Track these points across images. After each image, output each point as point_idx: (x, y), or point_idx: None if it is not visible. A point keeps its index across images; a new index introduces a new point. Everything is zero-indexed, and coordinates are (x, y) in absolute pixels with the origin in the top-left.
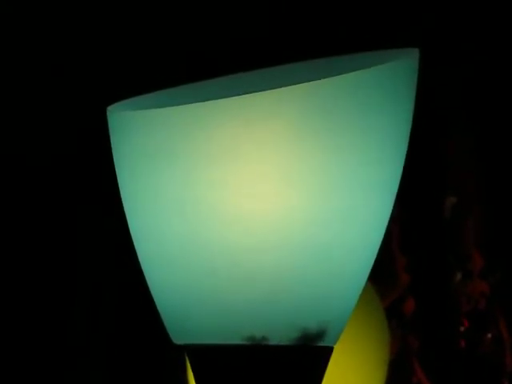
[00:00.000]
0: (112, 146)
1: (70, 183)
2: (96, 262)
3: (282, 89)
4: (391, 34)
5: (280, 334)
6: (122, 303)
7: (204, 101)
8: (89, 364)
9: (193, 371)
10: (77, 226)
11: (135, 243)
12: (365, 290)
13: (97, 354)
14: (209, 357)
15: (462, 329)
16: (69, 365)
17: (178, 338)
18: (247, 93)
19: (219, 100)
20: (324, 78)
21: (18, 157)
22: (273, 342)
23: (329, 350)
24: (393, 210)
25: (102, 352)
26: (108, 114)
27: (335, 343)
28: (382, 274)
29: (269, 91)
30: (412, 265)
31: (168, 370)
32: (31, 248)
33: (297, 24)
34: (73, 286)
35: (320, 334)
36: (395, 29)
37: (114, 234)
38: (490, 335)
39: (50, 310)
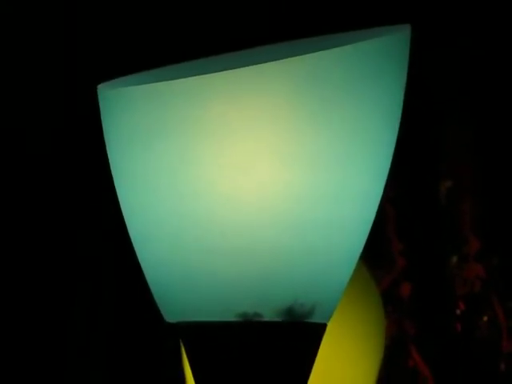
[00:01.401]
0: (103, 124)
1: (63, 171)
2: (95, 258)
3: (273, 63)
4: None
5: (273, 311)
6: (121, 299)
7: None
8: (87, 361)
9: (185, 349)
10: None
11: (127, 222)
12: (360, 274)
13: (96, 350)
14: (201, 334)
15: (458, 312)
16: (68, 360)
17: (170, 316)
18: (238, 68)
19: (209, 74)
20: (316, 52)
21: (7, 142)
22: (265, 318)
23: (322, 327)
24: (386, 189)
25: (101, 348)
26: (98, 91)
27: (328, 320)
28: (377, 258)
29: (259, 65)
30: (408, 249)
31: (168, 366)
32: (30, 244)
33: (289, 4)
34: (72, 282)
35: (313, 310)
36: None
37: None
38: (486, 318)
39: (48, 307)
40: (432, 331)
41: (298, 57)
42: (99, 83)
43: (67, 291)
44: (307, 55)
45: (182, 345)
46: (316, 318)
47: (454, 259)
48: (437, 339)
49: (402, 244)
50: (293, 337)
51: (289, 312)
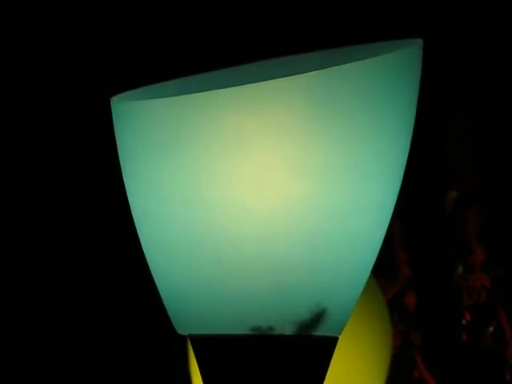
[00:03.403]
0: (116, 136)
1: (71, 177)
2: (98, 253)
3: (287, 78)
4: (392, 26)
5: (285, 324)
6: (123, 296)
7: (208, 90)
8: (90, 358)
9: (197, 362)
10: (77, 220)
11: (139, 233)
12: (367, 284)
13: (98, 347)
14: (214, 347)
15: (463, 322)
16: (70, 357)
17: (182, 329)
18: (252, 82)
19: (224, 89)
20: (328, 67)
21: (20, 148)
22: (278, 331)
23: (334, 340)
24: (396, 202)
25: (103, 345)
26: (112, 104)
27: (340, 333)
28: (383, 267)
29: (274, 80)
30: (413, 259)
31: (171, 362)
32: (32, 240)
33: (301, 18)
34: (74, 278)
35: (325, 324)
36: (396, 22)
37: (115, 224)
38: (491, 328)
39: (51, 305)
40: (438, 341)
41: (312, 72)
42: (113, 96)
43: (67, 291)
44: (321, 70)
45: (189, 353)
46: (329, 332)
47: (460, 269)
48: (442, 349)
49: (407, 254)
50: (305, 350)
51: (302, 325)
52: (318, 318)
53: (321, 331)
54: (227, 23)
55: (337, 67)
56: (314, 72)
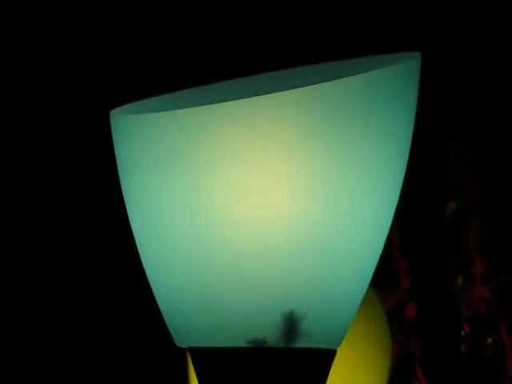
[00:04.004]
0: (115, 149)
1: (71, 187)
2: (97, 266)
3: (287, 92)
4: (390, 38)
5: (283, 337)
6: (122, 306)
7: (209, 104)
8: (91, 366)
9: (197, 375)
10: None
11: (139, 247)
12: (366, 294)
13: (97, 361)
14: (213, 360)
15: (462, 333)
16: (70, 363)
17: (181, 342)
18: (252, 96)
19: (224, 103)
20: (328, 81)
21: (18, 160)
22: (276, 344)
23: (332, 353)
24: (396, 213)
25: (102, 358)
26: (111, 117)
27: (338, 346)
28: (382, 278)
29: (273, 94)
30: (413, 269)
31: (170, 373)
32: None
33: (299, 30)
34: (72, 288)
35: (324, 336)
36: (395, 35)
37: (114, 237)
38: (490, 340)
39: (48, 307)
40: (437, 352)
41: (309, 86)
42: (112, 109)
43: (66, 301)
44: (320, 84)
45: (188, 366)
46: (327, 344)
47: (460, 280)
48: (442, 360)
49: (406, 264)
50: (303, 363)
51: (300, 338)
52: (318, 335)
53: (319, 343)
54: (227, 33)
55: (336, 81)
56: (312, 86)
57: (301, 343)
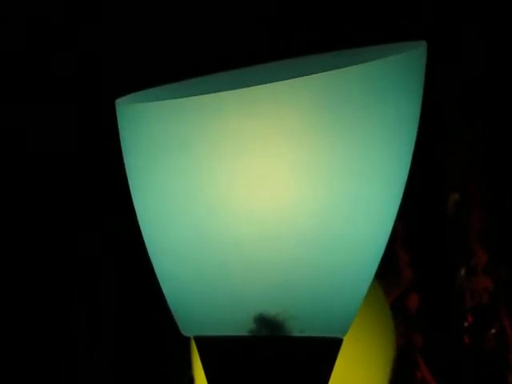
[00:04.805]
0: (121, 138)
1: (74, 179)
2: (98, 254)
3: (291, 80)
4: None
5: (290, 325)
6: (125, 298)
7: (213, 93)
8: (91, 359)
9: (202, 363)
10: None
11: (144, 236)
12: (371, 286)
13: (100, 349)
14: (219, 349)
15: (465, 324)
16: (70, 363)
17: (187, 330)
18: (256, 84)
19: (228, 91)
20: (332, 69)
21: (20, 150)
22: (281, 332)
23: (338, 342)
24: (401, 204)
25: (105, 347)
26: (117, 106)
27: (344, 334)
28: (385, 270)
29: (277, 83)
30: (415, 261)
31: (174, 364)
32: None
33: (299, 30)
34: (73, 278)
35: (330, 325)
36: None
37: (117, 226)
38: (493, 331)
39: (49, 307)
40: (440, 343)
41: (315, 74)
42: (117, 98)
43: (67, 292)
44: (325, 73)
45: (193, 355)
46: (333, 333)
47: (462, 272)
48: (444, 351)
49: (409, 256)
50: (309, 352)
51: (306, 326)
52: (324, 323)
53: (325, 332)
54: (229, 24)
55: (341, 69)
56: (317, 74)
57: (305, 332)
